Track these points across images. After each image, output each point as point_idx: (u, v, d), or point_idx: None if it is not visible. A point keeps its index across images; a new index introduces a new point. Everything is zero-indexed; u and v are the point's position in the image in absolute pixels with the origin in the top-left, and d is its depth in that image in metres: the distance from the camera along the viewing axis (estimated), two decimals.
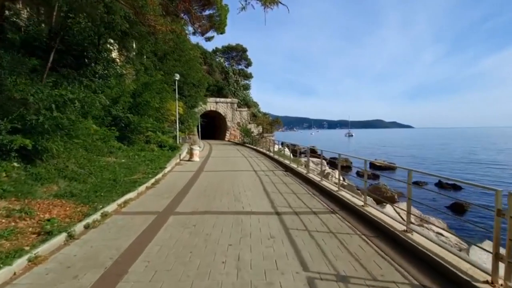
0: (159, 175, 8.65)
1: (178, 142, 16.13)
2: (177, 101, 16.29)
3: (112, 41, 14.03)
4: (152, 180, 7.73)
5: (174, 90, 21.34)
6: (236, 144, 28.57)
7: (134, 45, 17.54)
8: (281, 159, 13.12)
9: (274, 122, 28.02)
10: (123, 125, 12.61)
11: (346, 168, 31.00)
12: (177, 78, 16.17)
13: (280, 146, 24.80)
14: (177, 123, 16.32)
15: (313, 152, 38.74)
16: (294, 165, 10.96)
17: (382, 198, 10.82)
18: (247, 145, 25.60)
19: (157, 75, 15.44)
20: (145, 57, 20.47)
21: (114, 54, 15.77)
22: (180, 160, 13.51)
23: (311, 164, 14.77)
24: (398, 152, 45.84)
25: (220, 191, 6.80)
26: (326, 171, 12.34)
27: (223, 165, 12.00)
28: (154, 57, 20.70)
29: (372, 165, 32.08)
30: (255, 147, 22.28)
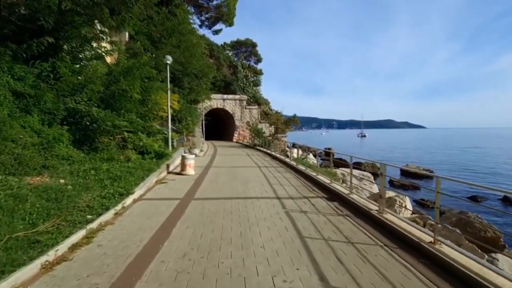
0: (108, 214, 4.69)
1: (170, 146, 12.25)
2: (169, 91, 12.37)
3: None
4: (81, 234, 3.77)
5: (169, 79, 17.56)
6: (246, 146, 24.57)
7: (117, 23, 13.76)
8: (312, 173, 9.02)
9: (290, 121, 23.86)
10: (87, 122, 8.78)
11: (373, 175, 26.60)
12: (168, 62, 12.27)
13: (300, 151, 20.63)
14: (169, 121, 12.41)
15: (328, 155, 34.38)
16: (339, 187, 6.84)
17: (483, 241, 6.59)
18: (258, 147, 21.61)
19: (143, 58, 11.58)
20: (138, 41, 16.76)
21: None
22: (168, 173, 9.59)
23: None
24: (425, 156, 40.91)
25: (214, 276, 2.81)
26: (386, 195, 8.12)
27: (227, 183, 7.97)
28: (146, 40, 16.91)
29: (403, 172, 27.61)
30: (268, 151, 18.23)
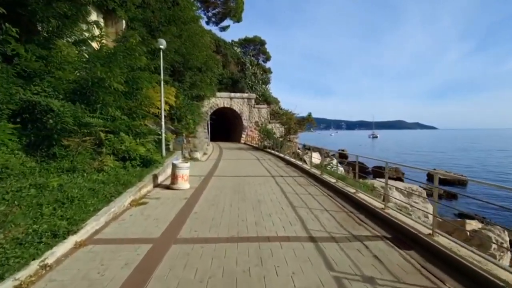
0: None
1: (163, 149, 9.97)
2: (162, 83, 10.09)
3: None
4: None
5: (168, 73, 15.32)
6: (254, 148, 22.21)
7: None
8: (348, 188, 6.56)
9: (304, 121, 21.32)
10: (50, 120, 6.57)
11: (396, 181, 23.81)
12: (162, 47, 10.01)
13: (316, 155, 18.10)
14: (163, 119, 10.12)
15: (343, 157, 31.72)
16: (404, 219, 4.36)
17: None
18: (268, 150, 19.22)
19: (130, 41, 9.39)
20: (131, 29, 14.68)
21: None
22: (156, 186, 7.31)
23: (396, 196, 8.13)
24: (450, 160, 37.61)
25: None
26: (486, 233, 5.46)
27: (232, 205, 5.60)
28: (142, 27, 14.77)
29: (431, 178, 24.73)
30: (281, 155, 15.81)
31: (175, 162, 7.03)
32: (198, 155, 13.74)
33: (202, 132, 17.88)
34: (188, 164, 7.14)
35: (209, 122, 28.05)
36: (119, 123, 8.44)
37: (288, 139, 21.75)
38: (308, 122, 21.27)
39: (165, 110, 11.86)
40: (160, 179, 7.91)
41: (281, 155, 15.86)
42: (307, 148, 25.64)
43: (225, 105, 31.66)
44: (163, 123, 10.12)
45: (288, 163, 13.06)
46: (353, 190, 6.34)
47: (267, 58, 47.17)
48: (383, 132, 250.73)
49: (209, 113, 30.15)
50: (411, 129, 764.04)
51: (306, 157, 16.41)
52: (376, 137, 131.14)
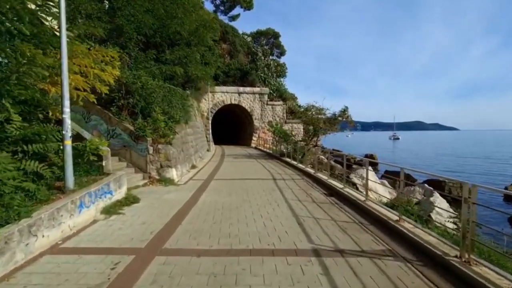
0: None
1: (69, 173, 4.44)
2: (63, 28, 4.46)
3: None
4: None
5: (139, 45, 9.97)
6: (268, 155, 16.40)
7: None
8: None
9: (337, 119, 15.20)
10: None
11: (459, 204, 17.05)
12: None
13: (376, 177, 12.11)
14: (67, 110, 4.52)
15: (373, 165, 24.86)
16: None
17: None
18: (286, 159, 13.46)
19: None
20: None
21: None
22: None
23: None
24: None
25: None
26: None
27: None
28: None
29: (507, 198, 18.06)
30: (310, 171, 9.97)
31: None
32: (173, 174, 8.11)
33: (191, 135, 12.20)
34: None
35: (210, 122, 22.69)
36: None
37: (314, 143, 15.83)
38: (342, 121, 15.22)
39: (103, 93, 6.29)
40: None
41: (310, 170, 10.03)
42: (325, 152, 19.61)
43: (233, 102, 26.14)
44: (67, 117, 4.50)
45: (330, 190, 7.21)
46: None
47: (282, 53, 41.39)
48: (403, 133, 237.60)
49: (213, 111, 24.81)
50: (431, 130, 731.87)
51: (353, 176, 10.42)
52: (398, 138, 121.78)
